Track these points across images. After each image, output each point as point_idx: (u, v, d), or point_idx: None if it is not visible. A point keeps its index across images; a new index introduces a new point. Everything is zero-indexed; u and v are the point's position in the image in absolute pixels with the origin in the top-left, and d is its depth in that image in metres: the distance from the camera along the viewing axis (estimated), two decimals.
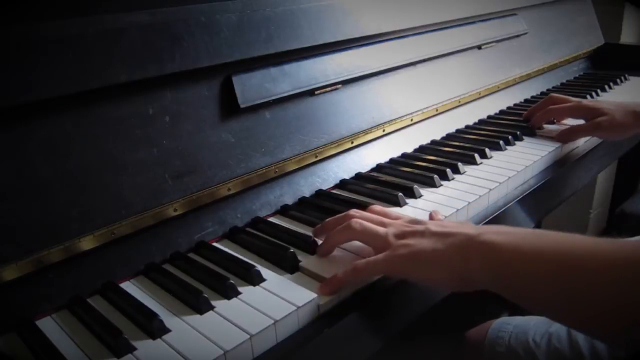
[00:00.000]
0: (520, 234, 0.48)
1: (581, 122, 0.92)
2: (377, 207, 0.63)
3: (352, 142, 0.83)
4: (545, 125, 0.98)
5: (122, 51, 0.58)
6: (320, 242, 0.60)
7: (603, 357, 0.68)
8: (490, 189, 0.73)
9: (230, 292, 0.53)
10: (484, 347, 0.77)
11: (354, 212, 0.60)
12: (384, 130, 0.88)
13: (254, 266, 0.56)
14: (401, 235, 0.54)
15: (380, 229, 0.55)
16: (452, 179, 0.77)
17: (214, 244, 0.65)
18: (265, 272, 0.57)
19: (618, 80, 1.31)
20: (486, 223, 0.68)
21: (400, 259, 0.51)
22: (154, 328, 0.48)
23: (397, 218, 0.59)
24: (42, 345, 0.49)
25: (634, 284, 0.40)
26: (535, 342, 0.73)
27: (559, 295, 0.44)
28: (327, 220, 0.62)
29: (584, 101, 0.92)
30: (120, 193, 0.59)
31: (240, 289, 0.54)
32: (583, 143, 0.94)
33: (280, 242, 0.62)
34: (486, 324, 0.81)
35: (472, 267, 0.47)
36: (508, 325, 0.78)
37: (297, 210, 0.71)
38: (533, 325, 0.76)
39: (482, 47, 1.11)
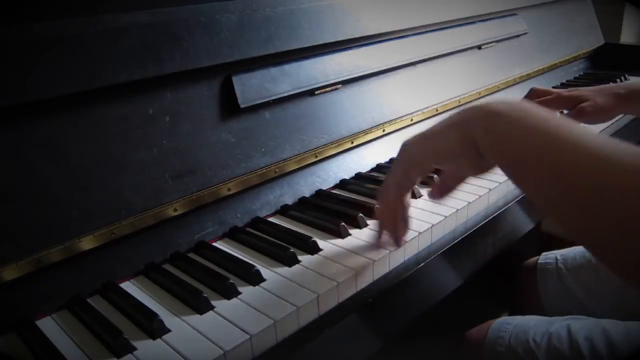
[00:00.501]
0: (525, 107, 0.46)
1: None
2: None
3: (352, 142, 0.83)
4: None
5: (122, 51, 0.58)
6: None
7: (603, 357, 0.68)
8: (490, 189, 0.73)
9: (230, 292, 0.53)
10: (484, 346, 0.77)
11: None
12: (384, 130, 0.88)
13: (254, 266, 0.56)
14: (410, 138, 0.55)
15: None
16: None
17: (214, 244, 0.65)
18: (265, 272, 0.57)
19: (618, 80, 1.31)
20: (486, 223, 0.68)
21: (409, 145, 0.53)
22: (154, 328, 0.48)
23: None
24: (42, 345, 0.49)
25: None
26: (535, 341, 0.73)
27: (544, 174, 0.42)
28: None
29: (563, 91, 0.91)
30: (120, 193, 0.59)
31: (240, 289, 0.54)
32: None
33: (280, 242, 0.62)
34: (486, 323, 0.81)
35: (476, 130, 0.47)
36: (508, 325, 0.78)
37: (297, 210, 0.71)
38: (533, 325, 0.76)
39: (482, 47, 1.11)
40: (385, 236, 0.60)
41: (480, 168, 0.51)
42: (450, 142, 0.49)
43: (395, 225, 0.58)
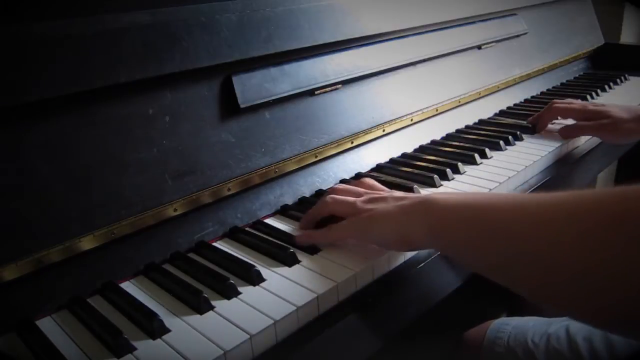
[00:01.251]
0: (457, 194, 0.52)
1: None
2: (366, 179, 0.67)
3: (352, 142, 0.83)
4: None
5: (122, 51, 0.58)
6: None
7: (602, 357, 0.68)
8: (490, 189, 0.73)
9: (230, 292, 0.53)
10: (482, 347, 0.77)
11: (333, 187, 0.67)
12: (384, 130, 0.88)
13: (254, 266, 0.56)
14: (367, 202, 0.58)
15: (351, 199, 0.60)
16: (452, 179, 0.77)
17: (214, 244, 0.65)
18: (265, 272, 0.57)
19: (618, 80, 1.31)
20: None
21: (360, 221, 0.57)
22: (154, 328, 0.48)
23: (381, 189, 0.64)
24: (42, 345, 0.49)
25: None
26: (534, 342, 0.73)
27: (477, 241, 0.47)
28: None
29: (589, 104, 0.92)
30: (120, 193, 0.59)
31: (240, 289, 0.54)
32: (583, 143, 0.94)
33: (281, 242, 0.62)
34: (485, 324, 0.81)
35: (412, 223, 0.52)
36: (507, 325, 0.78)
37: (297, 210, 0.71)
38: (532, 326, 0.76)
39: (482, 47, 1.11)
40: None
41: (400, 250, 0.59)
42: (385, 234, 0.55)
43: (312, 223, 0.64)
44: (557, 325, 0.74)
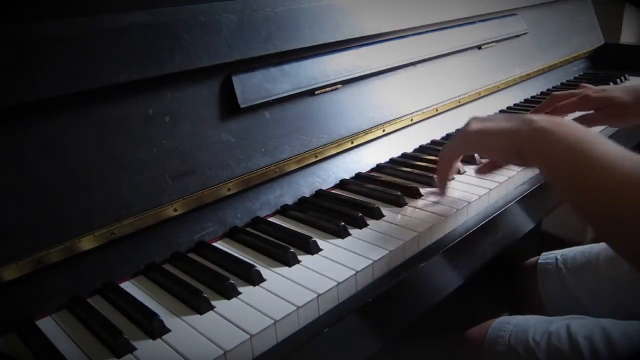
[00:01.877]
0: (566, 126, 0.56)
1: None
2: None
3: (352, 142, 0.83)
4: None
5: (122, 51, 0.58)
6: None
7: (602, 356, 0.68)
8: (490, 189, 0.73)
9: (230, 292, 0.53)
10: (484, 346, 0.77)
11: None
12: (384, 130, 0.88)
13: (254, 266, 0.56)
14: (475, 120, 0.64)
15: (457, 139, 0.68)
16: (452, 179, 0.77)
17: (214, 244, 0.65)
18: (265, 272, 0.57)
19: (618, 80, 1.31)
20: (486, 223, 0.68)
21: (471, 133, 0.63)
22: (154, 328, 0.48)
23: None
24: (42, 345, 0.49)
25: None
26: (535, 341, 0.73)
27: (574, 183, 0.53)
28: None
29: (590, 93, 0.90)
30: (120, 193, 0.59)
31: (240, 289, 0.54)
32: None
33: (281, 242, 0.62)
34: (486, 323, 0.81)
35: (524, 143, 0.57)
36: (508, 324, 0.78)
37: (297, 210, 0.71)
38: (533, 325, 0.76)
39: (482, 47, 1.11)
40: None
41: (519, 164, 0.66)
42: (501, 145, 0.60)
43: (445, 178, 0.71)
44: (558, 324, 0.74)
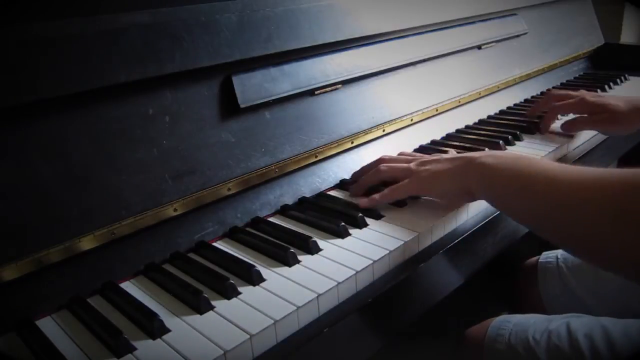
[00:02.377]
0: (507, 158, 0.61)
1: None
2: (405, 152, 0.79)
3: (352, 142, 0.83)
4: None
5: (122, 51, 0.58)
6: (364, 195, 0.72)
7: (602, 355, 0.68)
8: None
9: (230, 292, 0.53)
10: (484, 344, 0.77)
11: (383, 156, 0.76)
12: (384, 130, 0.88)
13: (253, 266, 0.56)
14: (422, 164, 0.69)
15: (405, 165, 0.70)
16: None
17: (214, 244, 0.65)
18: (265, 272, 0.57)
19: (618, 80, 1.31)
20: (486, 223, 0.68)
21: (422, 179, 0.67)
22: (154, 328, 0.48)
23: (421, 157, 0.73)
24: (42, 345, 0.49)
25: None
26: (535, 339, 0.73)
27: (516, 199, 0.58)
28: (361, 167, 0.78)
29: (587, 97, 0.91)
30: (120, 193, 0.59)
31: (240, 289, 0.54)
32: (582, 143, 0.94)
33: (280, 242, 0.62)
34: (486, 322, 0.81)
35: (471, 181, 0.62)
36: (508, 323, 0.78)
37: (297, 210, 0.71)
38: (533, 323, 0.76)
39: (482, 47, 1.11)
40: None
41: (468, 201, 0.68)
42: (451, 188, 0.65)
43: (380, 202, 0.70)
44: (558, 322, 0.74)
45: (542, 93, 1.25)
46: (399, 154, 0.79)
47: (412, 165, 0.69)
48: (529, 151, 0.86)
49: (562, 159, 0.88)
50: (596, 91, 1.21)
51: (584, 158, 0.90)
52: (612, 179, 0.49)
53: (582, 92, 0.94)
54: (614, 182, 0.49)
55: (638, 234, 0.45)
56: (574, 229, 0.51)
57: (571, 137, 0.92)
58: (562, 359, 0.70)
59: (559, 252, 0.94)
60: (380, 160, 0.74)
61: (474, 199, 0.65)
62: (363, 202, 0.69)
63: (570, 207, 0.51)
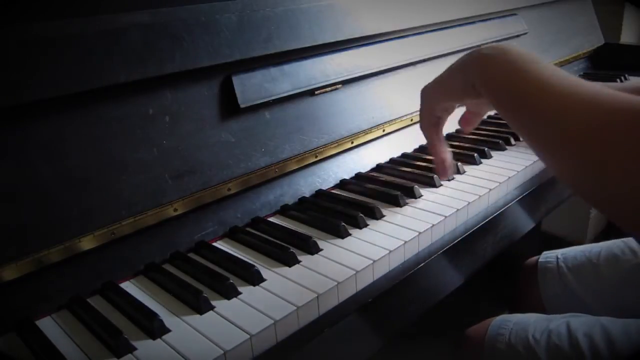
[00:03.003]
0: (505, 51, 0.54)
1: None
2: None
3: (352, 142, 0.83)
4: None
5: (122, 51, 0.58)
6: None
7: (602, 354, 0.68)
8: (490, 189, 0.73)
9: (230, 292, 0.53)
10: (484, 344, 0.77)
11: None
12: (384, 130, 0.88)
13: (253, 266, 0.56)
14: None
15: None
16: (452, 178, 0.77)
17: (214, 244, 0.65)
18: (265, 272, 0.57)
19: (618, 80, 1.31)
20: (486, 223, 0.68)
21: (427, 88, 0.62)
22: (154, 328, 0.48)
23: None
24: (42, 345, 0.49)
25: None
26: (535, 338, 0.73)
27: (511, 100, 0.51)
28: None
29: None
30: (120, 193, 0.59)
31: (240, 289, 0.54)
32: None
33: (281, 242, 0.62)
34: (486, 321, 0.81)
35: (472, 73, 0.56)
36: (508, 322, 0.78)
37: (297, 210, 0.71)
38: (533, 322, 0.76)
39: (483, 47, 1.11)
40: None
41: (482, 104, 0.62)
42: (455, 85, 0.59)
43: (439, 155, 0.65)
44: (558, 322, 0.74)
45: None
46: None
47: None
48: (529, 151, 0.86)
49: None
50: None
51: None
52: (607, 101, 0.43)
53: None
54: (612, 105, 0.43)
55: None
56: (565, 147, 0.45)
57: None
58: (562, 359, 0.70)
59: (559, 252, 0.94)
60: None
61: (478, 96, 0.58)
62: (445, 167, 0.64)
63: (564, 122, 0.45)
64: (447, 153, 0.65)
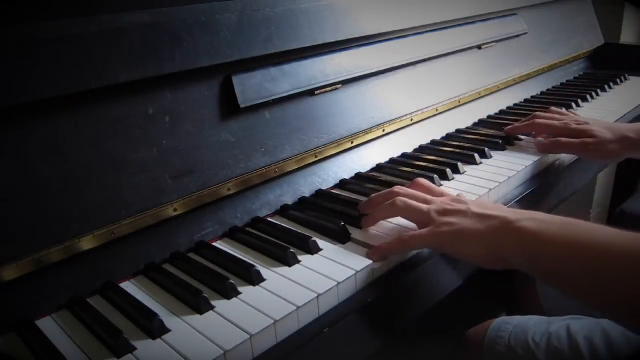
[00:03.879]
0: (553, 223, 0.52)
1: None
2: (422, 180, 0.67)
3: (352, 142, 0.83)
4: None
5: (122, 51, 0.58)
6: (366, 215, 0.65)
7: (602, 356, 0.68)
8: (490, 189, 0.73)
9: (230, 292, 0.53)
10: (483, 346, 0.77)
11: (398, 189, 0.64)
12: (384, 130, 0.88)
13: (253, 266, 0.56)
14: (443, 213, 0.57)
15: (424, 206, 0.59)
16: (452, 179, 0.77)
17: (214, 244, 0.65)
18: (265, 272, 0.57)
19: (618, 80, 1.31)
20: None
21: (444, 235, 0.55)
22: (154, 328, 0.48)
23: (440, 194, 0.63)
24: (42, 345, 0.49)
25: None
26: (535, 341, 0.73)
27: (580, 279, 0.48)
28: (373, 196, 0.66)
29: (572, 124, 0.84)
30: (120, 193, 0.59)
31: (240, 289, 0.54)
32: None
33: (280, 242, 0.62)
34: (486, 323, 0.81)
35: (507, 249, 0.52)
36: (508, 324, 0.78)
37: (297, 210, 0.71)
38: (533, 325, 0.76)
39: (482, 47, 1.11)
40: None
41: (494, 268, 0.55)
42: (477, 252, 0.54)
43: (375, 224, 0.64)
44: (558, 325, 0.74)
45: (542, 93, 1.25)
46: (413, 182, 0.67)
47: (432, 210, 0.58)
48: (529, 151, 0.86)
49: (562, 159, 0.88)
50: (596, 91, 1.21)
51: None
52: None
53: (568, 118, 0.87)
54: None
55: None
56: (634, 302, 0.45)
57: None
58: None
59: None
60: (393, 193, 0.63)
61: (507, 267, 0.54)
62: (370, 253, 0.58)
63: (630, 279, 0.45)
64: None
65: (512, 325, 0.78)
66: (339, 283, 0.54)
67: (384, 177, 0.79)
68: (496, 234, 0.53)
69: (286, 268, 0.58)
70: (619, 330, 0.70)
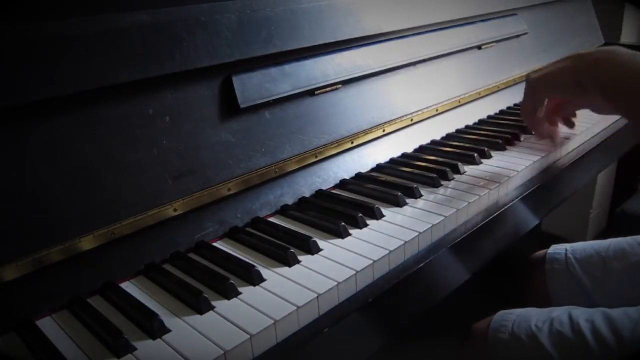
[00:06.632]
0: (619, 54, 0.64)
1: None
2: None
3: (352, 142, 0.83)
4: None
5: (122, 51, 0.58)
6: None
7: (605, 337, 0.68)
8: (490, 189, 0.73)
9: (230, 292, 0.53)
10: (487, 336, 0.78)
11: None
12: (384, 130, 0.88)
13: (253, 266, 0.56)
14: (534, 72, 0.75)
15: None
16: (452, 178, 0.77)
17: (214, 244, 0.65)
18: (265, 272, 0.57)
19: None
20: (486, 223, 0.68)
21: (534, 79, 0.73)
22: (154, 328, 0.48)
23: None
24: (42, 345, 0.49)
25: None
26: (537, 327, 0.73)
27: None
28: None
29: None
30: (120, 193, 0.59)
31: (240, 289, 0.54)
32: (581, 144, 0.94)
33: (280, 242, 0.62)
34: (489, 317, 0.81)
35: (584, 75, 0.66)
36: (510, 314, 0.79)
37: (297, 210, 0.71)
38: (535, 314, 0.76)
39: (482, 47, 1.11)
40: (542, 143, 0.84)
41: (580, 96, 0.70)
42: (563, 82, 0.69)
43: (540, 129, 0.80)
44: (560, 311, 0.75)
45: None
46: None
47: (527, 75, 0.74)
48: (528, 151, 0.86)
49: (561, 159, 0.88)
50: None
51: (584, 158, 0.90)
52: None
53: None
54: None
55: None
56: None
57: (573, 129, 0.90)
58: (565, 344, 0.70)
59: (568, 246, 0.94)
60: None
61: (585, 95, 0.67)
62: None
63: None
64: (549, 133, 0.78)
65: (514, 315, 0.78)
66: (338, 283, 0.54)
67: (384, 177, 0.79)
68: (574, 66, 0.68)
69: (286, 268, 0.58)
70: (619, 311, 0.70)
